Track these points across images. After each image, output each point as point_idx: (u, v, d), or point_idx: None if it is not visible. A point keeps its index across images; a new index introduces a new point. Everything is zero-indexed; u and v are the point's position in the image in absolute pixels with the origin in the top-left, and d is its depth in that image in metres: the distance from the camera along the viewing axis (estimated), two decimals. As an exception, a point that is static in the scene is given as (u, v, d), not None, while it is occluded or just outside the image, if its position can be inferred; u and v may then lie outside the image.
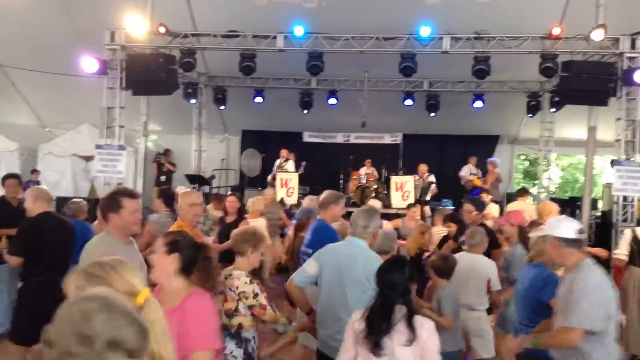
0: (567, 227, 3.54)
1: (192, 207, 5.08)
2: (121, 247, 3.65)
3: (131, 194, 3.86)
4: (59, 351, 1.42)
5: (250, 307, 3.84)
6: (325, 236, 5.11)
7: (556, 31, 10.42)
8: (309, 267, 4.19)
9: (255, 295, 3.85)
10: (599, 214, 13.48)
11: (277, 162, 14.54)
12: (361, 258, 3.98)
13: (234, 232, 4.31)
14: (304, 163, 14.29)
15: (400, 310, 3.08)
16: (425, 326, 3.08)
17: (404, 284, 3.14)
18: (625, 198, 10.48)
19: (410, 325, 3.03)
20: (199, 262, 3.09)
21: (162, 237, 3.13)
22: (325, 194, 5.57)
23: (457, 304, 4.77)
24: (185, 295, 2.87)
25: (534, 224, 6.66)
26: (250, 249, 3.99)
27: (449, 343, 4.43)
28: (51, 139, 15.39)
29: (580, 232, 3.54)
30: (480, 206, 10.26)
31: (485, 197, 10.37)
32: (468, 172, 14.27)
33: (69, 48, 11.86)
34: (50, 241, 5.14)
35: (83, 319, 1.42)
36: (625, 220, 10.39)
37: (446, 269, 4.87)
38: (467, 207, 8.16)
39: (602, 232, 11.23)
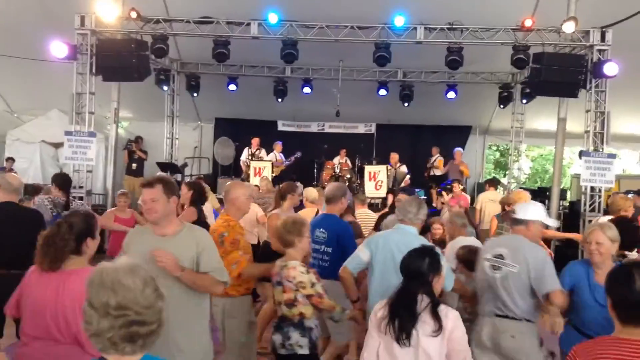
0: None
1: (249, 200, 4.78)
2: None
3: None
4: None
5: (309, 297, 3.92)
6: (344, 232, 5.23)
7: (528, 23, 10.56)
8: (362, 254, 4.28)
9: (313, 285, 3.93)
10: (567, 204, 13.76)
11: (246, 151, 14.44)
12: (415, 244, 4.02)
13: (276, 227, 4.31)
14: (298, 153, 14.28)
15: (423, 300, 3.02)
16: (450, 316, 3.02)
17: (424, 274, 3.09)
18: (593, 188, 10.73)
19: (436, 316, 2.98)
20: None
21: None
22: (332, 187, 5.56)
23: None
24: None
25: (508, 213, 6.74)
26: (297, 237, 4.07)
27: None
28: (19, 125, 15.07)
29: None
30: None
31: (457, 187, 10.46)
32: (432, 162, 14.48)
33: (38, 32, 11.59)
34: (2, 234, 4.90)
35: None
36: (592, 210, 10.64)
37: (473, 261, 4.86)
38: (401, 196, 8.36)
39: (570, 221, 11.46)
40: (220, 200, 8.41)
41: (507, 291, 3.95)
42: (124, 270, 1.83)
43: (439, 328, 2.95)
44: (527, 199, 7.09)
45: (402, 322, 3.00)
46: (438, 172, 14.15)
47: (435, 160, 14.36)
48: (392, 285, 3.24)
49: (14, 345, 2.82)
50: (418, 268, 3.10)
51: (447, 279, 3.59)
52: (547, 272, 3.87)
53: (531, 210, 4.21)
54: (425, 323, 2.98)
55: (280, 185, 7.34)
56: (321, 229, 5.24)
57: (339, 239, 5.18)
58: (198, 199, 6.04)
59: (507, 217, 6.55)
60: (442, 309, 3.02)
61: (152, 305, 1.82)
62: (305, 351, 3.89)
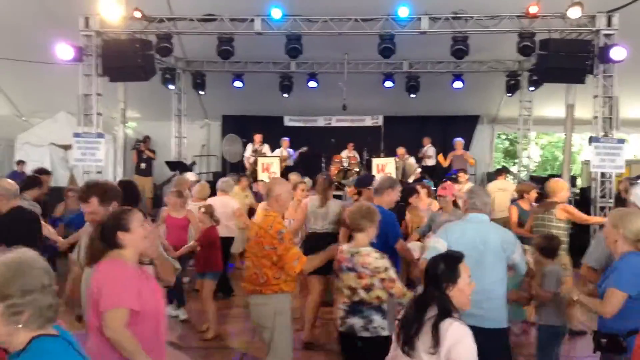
0: None
1: (290, 196, 4.92)
2: None
3: None
4: None
5: (382, 281, 4.04)
6: (391, 224, 5.27)
7: (533, 9, 10.47)
8: (439, 244, 4.18)
9: (386, 269, 4.06)
10: (578, 190, 13.66)
11: (250, 146, 14.42)
12: (492, 229, 4.18)
13: (350, 210, 4.43)
14: (304, 148, 14.29)
15: (431, 310, 2.76)
16: (450, 331, 2.66)
17: (439, 281, 2.82)
18: (603, 174, 10.64)
19: (435, 330, 2.67)
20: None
21: None
22: (380, 179, 5.66)
23: (559, 281, 4.80)
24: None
25: (548, 204, 6.56)
26: (369, 223, 4.20)
27: (552, 318, 4.71)
28: (28, 129, 15.16)
29: None
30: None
31: (462, 177, 10.42)
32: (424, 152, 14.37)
33: (43, 35, 11.62)
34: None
35: None
36: (603, 197, 10.55)
37: (550, 248, 5.02)
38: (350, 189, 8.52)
39: (582, 208, 11.36)
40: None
41: None
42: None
43: (436, 344, 2.64)
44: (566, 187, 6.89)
45: (406, 331, 2.80)
46: (430, 163, 14.08)
47: (426, 150, 14.29)
48: (473, 270, 3.01)
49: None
50: (435, 274, 2.86)
51: (519, 264, 3.97)
52: None
53: None
54: (425, 336, 2.71)
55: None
56: None
57: (383, 228, 5.16)
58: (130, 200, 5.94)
59: (548, 206, 6.43)
60: (446, 322, 2.69)
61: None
62: (387, 333, 3.99)
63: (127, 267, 3.06)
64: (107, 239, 3.13)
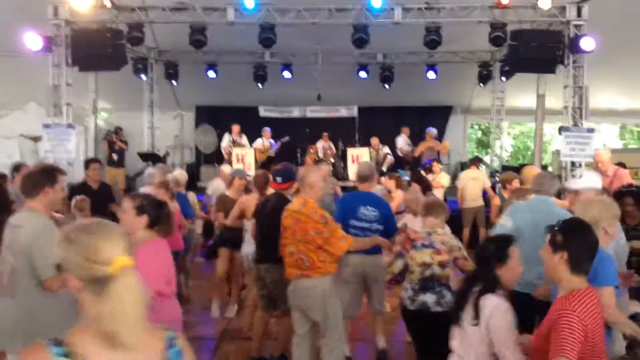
0: None
1: (322, 182, 5.02)
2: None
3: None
4: None
5: (455, 259, 4.44)
6: (389, 211, 5.64)
7: (505, 0, 10.55)
8: (507, 223, 4.45)
9: (459, 248, 4.49)
10: (549, 179, 13.84)
11: (227, 137, 14.32)
12: (556, 210, 4.36)
13: (426, 201, 5.10)
14: (286, 137, 14.24)
15: (477, 287, 3.08)
16: (488, 304, 2.99)
17: (488, 260, 3.13)
18: (573, 163, 10.81)
19: (476, 304, 3.01)
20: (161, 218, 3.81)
21: (129, 199, 3.74)
22: (365, 166, 5.80)
23: None
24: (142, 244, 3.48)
25: (521, 190, 6.68)
26: (443, 211, 4.73)
27: None
28: (-3, 120, 14.84)
29: None
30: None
31: (436, 166, 10.51)
32: (404, 143, 14.26)
33: (11, 25, 11.34)
34: None
35: None
36: (573, 185, 10.71)
37: None
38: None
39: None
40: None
41: None
42: None
43: (476, 317, 2.99)
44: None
45: (455, 304, 3.23)
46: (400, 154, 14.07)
47: (408, 149, 14.26)
48: (537, 247, 3.15)
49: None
50: (484, 255, 3.19)
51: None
52: None
53: None
54: (469, 310, 3.06)
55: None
56: (370, 207, 5.37)
57: (385, 218, 5.42)
58: None
59: (523, 192, 6.55)
60: (487, 297, 3.00)
61: None
62: None
63: None
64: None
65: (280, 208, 4.92)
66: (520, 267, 3.17)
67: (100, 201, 7.01)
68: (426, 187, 7.80)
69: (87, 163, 7.84)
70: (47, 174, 3.68)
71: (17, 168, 8.17)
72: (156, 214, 3.73)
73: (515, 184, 7.95)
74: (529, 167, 8.08)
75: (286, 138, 14.30)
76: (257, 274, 5.43)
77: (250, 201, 6.37)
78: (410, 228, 4.86)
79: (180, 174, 8.49)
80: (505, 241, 3.23)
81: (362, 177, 5.60)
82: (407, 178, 9.58)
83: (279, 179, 5.39)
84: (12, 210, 5.55)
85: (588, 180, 4.58)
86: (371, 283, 5.47)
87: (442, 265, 4.38)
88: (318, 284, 4.58)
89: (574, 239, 2.79)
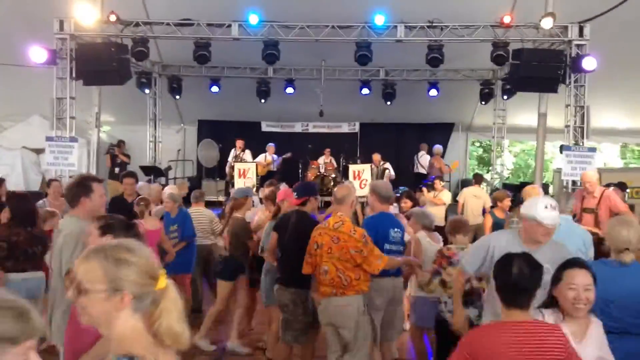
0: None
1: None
2: None
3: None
4: None
5: None
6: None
7: (507, 19, 10.64)
8: None
9: None
10: (550, 198, 13.84)
11: (233, 152, 14.40)
12: (577, 229, 4.56)
13: (455, 218, 5.52)
14: (288, 154, 14.31)
15: None
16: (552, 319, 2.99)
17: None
18: (574, 182, 10.81)
19: None
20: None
21: (96, 219, 3.41)
22: (387, 187, 5.56)
23: None
24: None
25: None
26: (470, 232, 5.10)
27: None
28: (0, 132, 14.90)
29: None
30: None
31: (438, 184, 10.54)
32: (426, 159, 14.44)
33: (17, 37, 11.44)
34: None
35: None
36: (574, 204, 10.72)
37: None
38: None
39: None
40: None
41: None
42: None
43: None
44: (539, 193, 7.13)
45: None
46: (423, 170, 14.21)
47: (421, 157, 14.44)
48: None
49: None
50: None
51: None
52: None
53: None
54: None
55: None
56: (397, 229, 5.25)
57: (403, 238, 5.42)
58: None
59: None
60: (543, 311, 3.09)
61: None
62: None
63: None
64: None
65: (303, 226, 4.92)
66: None
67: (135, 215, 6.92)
68: (415, 204, 7.88)
69: (122, 178, 7.86)
70: (81, 186, 3.91)
71: (48, 184, 8.79)
72: (123, 235, 3.48)
73: (507, 202, 8.00)
74: (531, 187, 8.11)
75: (288, 154, 14.35)
76: (279, 298, 5.24)
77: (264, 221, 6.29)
78: (445, 246, 4.99)
79: (172, 189, 8.29)
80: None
81: (385, 198, 5.43)
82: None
83: (295, 195, 5.36)
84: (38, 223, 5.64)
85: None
86: (396, 305, 5.34)
87: (479, 278, 4.45)
88: (353, 302, 4.58)
89: None
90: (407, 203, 7.65)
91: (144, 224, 6.41)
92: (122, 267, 1.75)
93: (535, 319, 2.79)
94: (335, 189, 5.03)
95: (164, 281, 1.80)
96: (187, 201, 8.28)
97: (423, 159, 14.58)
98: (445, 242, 5.71)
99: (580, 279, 2.92)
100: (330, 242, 4.60)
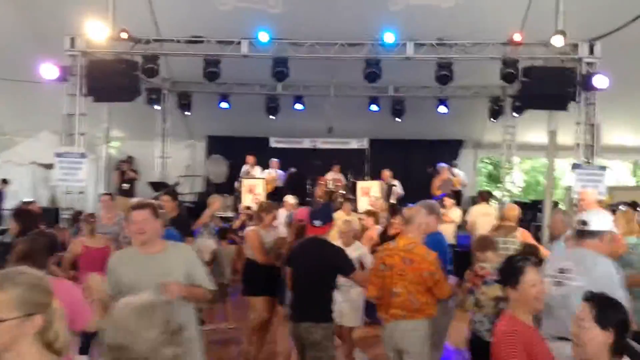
0: None
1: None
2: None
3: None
4: None
5: None
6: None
7: (517, 37, 10.62)
8: None
9: None
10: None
11: (244, 168, 14.40)
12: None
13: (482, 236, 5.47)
14: (292, 169, 14.28)
15: None
16: None
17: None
18: (585, 200, 10.69)
19: None
20: None
21: None
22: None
23: None
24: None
25: (505, 228, 6.85)
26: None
27: None
28: (10, 147, 14.99)
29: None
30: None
31: (448, 201, 10.46)
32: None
33: (28, 53, 11.56)
34: None
35: None
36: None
37: None
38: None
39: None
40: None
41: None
42: (134, 309, 1.86)
43: None
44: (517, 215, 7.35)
45: None
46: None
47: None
48: None
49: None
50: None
51: None
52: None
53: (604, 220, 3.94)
54: None
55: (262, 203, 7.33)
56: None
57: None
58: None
59: (505, 230, 6.84)
60: None
61: (154, 349, 1.81)
62: None
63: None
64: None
65: (323, 257, 4.71)
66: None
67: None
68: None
69: (157, 198, 7.83)
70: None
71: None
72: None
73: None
74: (510, 206, 8.22)
75: (293, 169, 14.32)
76: (294, 333, 4.81)
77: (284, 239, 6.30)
78: (477, 265, 4.89)
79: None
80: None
81: (440, 218, 5.31)
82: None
83: (317, 222, 4.81)
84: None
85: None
86: (442, 330, 5.32)
87: None
88: (422, 327, 4.47)
89: None
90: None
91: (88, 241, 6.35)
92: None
93: None
94: (408, 212, 4.89)
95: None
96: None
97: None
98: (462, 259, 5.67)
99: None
100: (402, 263, 4.46)
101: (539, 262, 5.05)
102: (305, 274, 4.75)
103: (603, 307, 2.62)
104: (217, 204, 8.51)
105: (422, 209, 4.84)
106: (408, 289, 4.42)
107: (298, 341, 4.77)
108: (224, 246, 8.48)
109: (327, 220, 4.91)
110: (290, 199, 9.94)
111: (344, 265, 4.81)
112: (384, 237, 6.85)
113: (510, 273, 3.26)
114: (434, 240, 5.00)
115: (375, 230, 7.87)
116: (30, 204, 8.89)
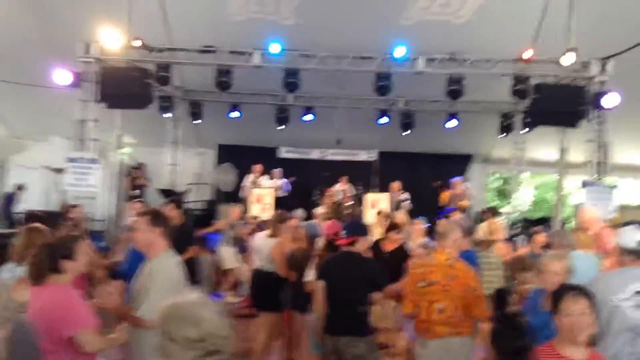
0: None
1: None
2: None
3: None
4: None
5: None
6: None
7: (528, 54, 10.63)
8: None
9: None
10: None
11: (250, 177, 14.42)
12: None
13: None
14: (292, 178, 14.32)
15: None
16: None
17: None
18: (594, 219, 10.64)
19: None
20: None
21: None
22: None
23: None
24: None
25: (486, 242, 7.00)
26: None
27: None
28: (22, 151, 15.12)
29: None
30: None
31: (455, 215, 10.46)
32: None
33: (41, 59, 11.68)
34: None
35: None
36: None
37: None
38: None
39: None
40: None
41: None
42: (199, 303, 2.01)
43: None
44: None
45: None
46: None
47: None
48: None
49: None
50: None
51: None
52: None
53: None
54: None
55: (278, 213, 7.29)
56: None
57: None
58: None
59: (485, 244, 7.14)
60: None
61: (228, 334, 2.01)
62: None
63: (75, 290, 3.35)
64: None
65: (359, 271, 4.72)
66: None
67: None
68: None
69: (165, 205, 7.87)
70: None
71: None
72: None
73: (541, 238, 7.85)
74: (493, 221, 8.39)
75: (293, 178, 14.34)
76: (331, 348, 4.72)
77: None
78: (520, 287, 5.04)
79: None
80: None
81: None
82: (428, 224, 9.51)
83: (345, 232, 4.93)
84: None
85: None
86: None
87: None
88: (467, 344, 4.39)
89: None
90: None
91: None
92: None
93: None
94: (442, 227, 4.80)
95: None
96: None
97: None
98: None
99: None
100: (447, 279, 4.37)
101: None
102: (342, 288, 4.70)
103: None
104: (237, 213, 8.56)
105: (456, 226, 4.87)
106: (454, 304, 4.34)
107: (336, 355, 4.67)
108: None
109: (354, 233, 4.92)
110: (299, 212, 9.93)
111: (379, 279, 4.81)
112: (377, 250, 6.59)
113: (553, 300, 3.10)
114: (466, 257, 4.95)
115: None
116: (74, 207, 8.90)
